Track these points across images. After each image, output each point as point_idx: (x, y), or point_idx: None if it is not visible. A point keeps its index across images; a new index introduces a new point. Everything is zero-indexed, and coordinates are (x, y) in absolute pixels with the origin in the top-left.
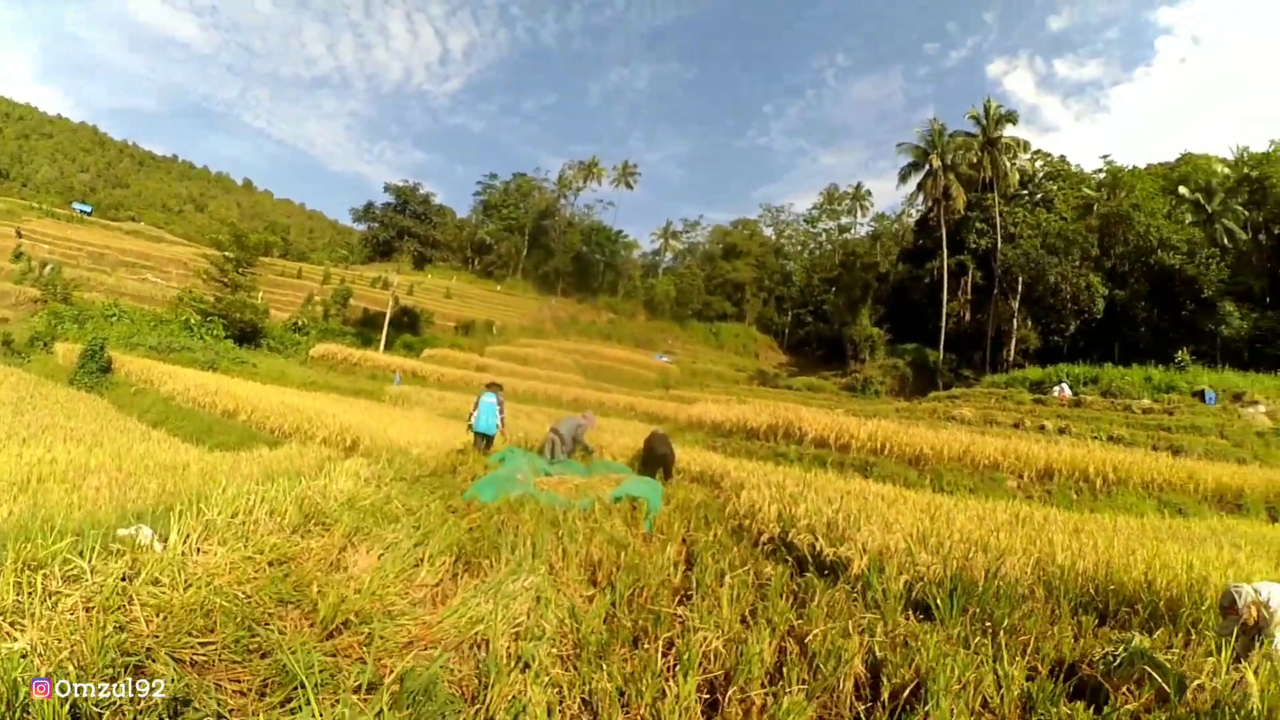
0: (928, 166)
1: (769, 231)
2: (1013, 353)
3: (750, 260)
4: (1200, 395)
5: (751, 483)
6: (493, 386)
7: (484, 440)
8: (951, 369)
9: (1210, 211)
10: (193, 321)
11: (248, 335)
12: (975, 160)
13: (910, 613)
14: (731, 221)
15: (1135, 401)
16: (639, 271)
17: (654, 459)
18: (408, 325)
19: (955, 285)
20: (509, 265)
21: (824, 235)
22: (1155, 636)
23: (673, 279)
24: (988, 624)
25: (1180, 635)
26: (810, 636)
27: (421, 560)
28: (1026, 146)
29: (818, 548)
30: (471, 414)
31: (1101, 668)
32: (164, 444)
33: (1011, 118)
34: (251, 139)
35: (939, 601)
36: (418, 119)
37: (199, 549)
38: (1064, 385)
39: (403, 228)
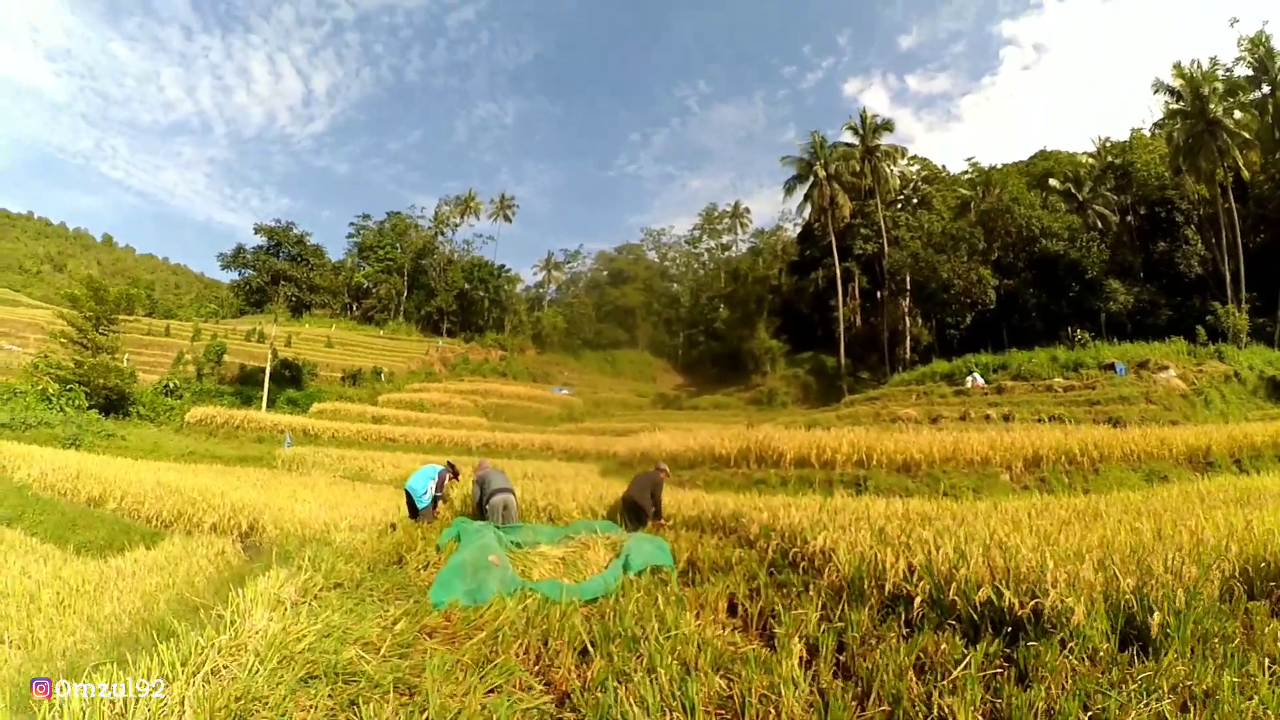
0: (813, 178)
1: (652, 255)
2: (908, 350)
3: (638, 285)
4: (1110, 367)
5: (808, 521)
6: (451, 468)
7: (410, 504)
8: (849, 372)
9: (1081, 200)
10: (50, 391)
11: (114, 403)
12: (857, 169)
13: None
14: (615, 248)
15: (1053, 381)
16: (524, 305)
17: (624, 504)
18: (290, 379)
19: (844, 291)
20: (389, 308)
21: (706, 255)
22: None
23: (560, 310)
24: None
25: None
26: None
27: None
28: (904, 153)
29: (1006, 603)
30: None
31: None
32: (16, 549)
33: (888, 126)
34: (109, 191)
35: (1165, 632)
36: (281, 163)
37: None
38: (975, 374)
39: (278, 271)
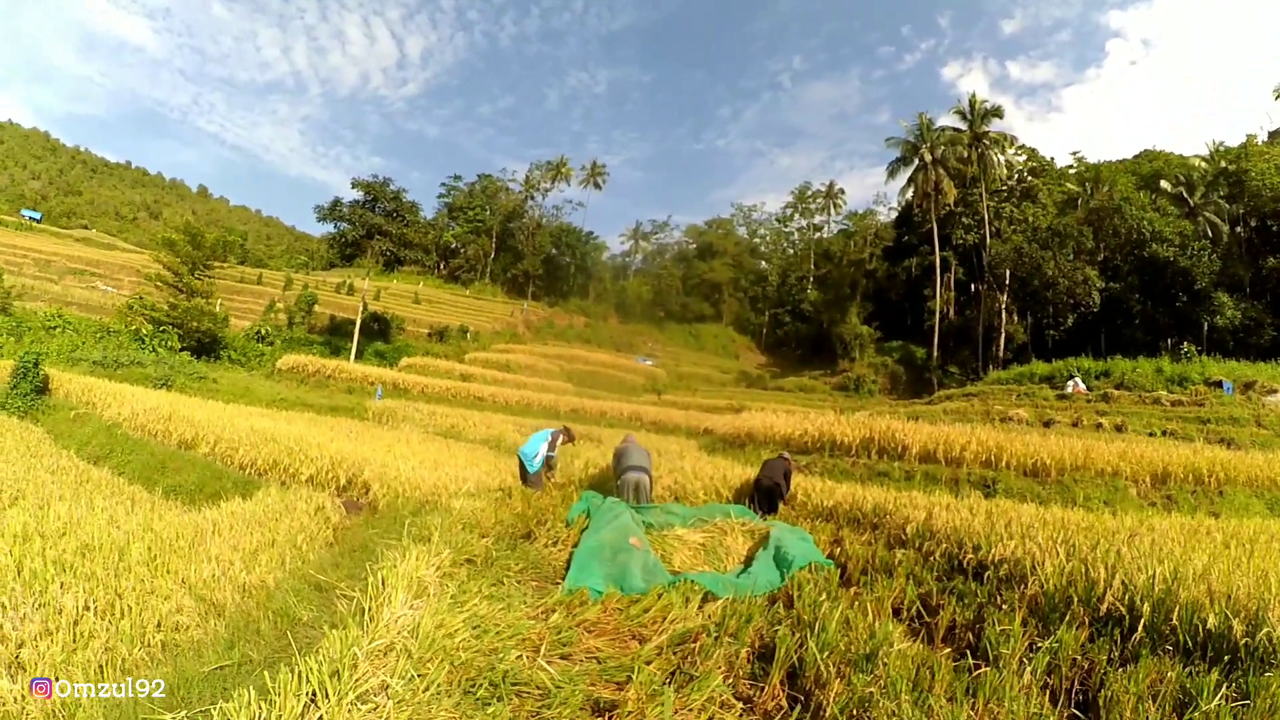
0: (917, 161)
1: (742, 231)
2: (1002, 348)
3: (727, 260)
4: (1217, 385)
5: (980, 525)
6: (566, 431)
7: (523, 470)
8: (939, 366)
9: (1193, 205)
10: (144, 332)
11: (206, 347)
12: (964, 155)
13: None
14: (706, 221)
15: (1160, 394)
16: (609, 273)
17: (760, 489)
18: (378, 332)
19: (940, 281)
20: (477, 269)
21: (796, 234)
22: None
23: (646, 280)
24: None
25: None
26: None
27: None
28: (1012, 141)
29: (1233, 631)
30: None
31: None
32: (103, 491)
33: (997, 112)
34: (205, 145)
35: None
36: (374, 124)
37: None
38: (1077, 379)
39: (373, 226)
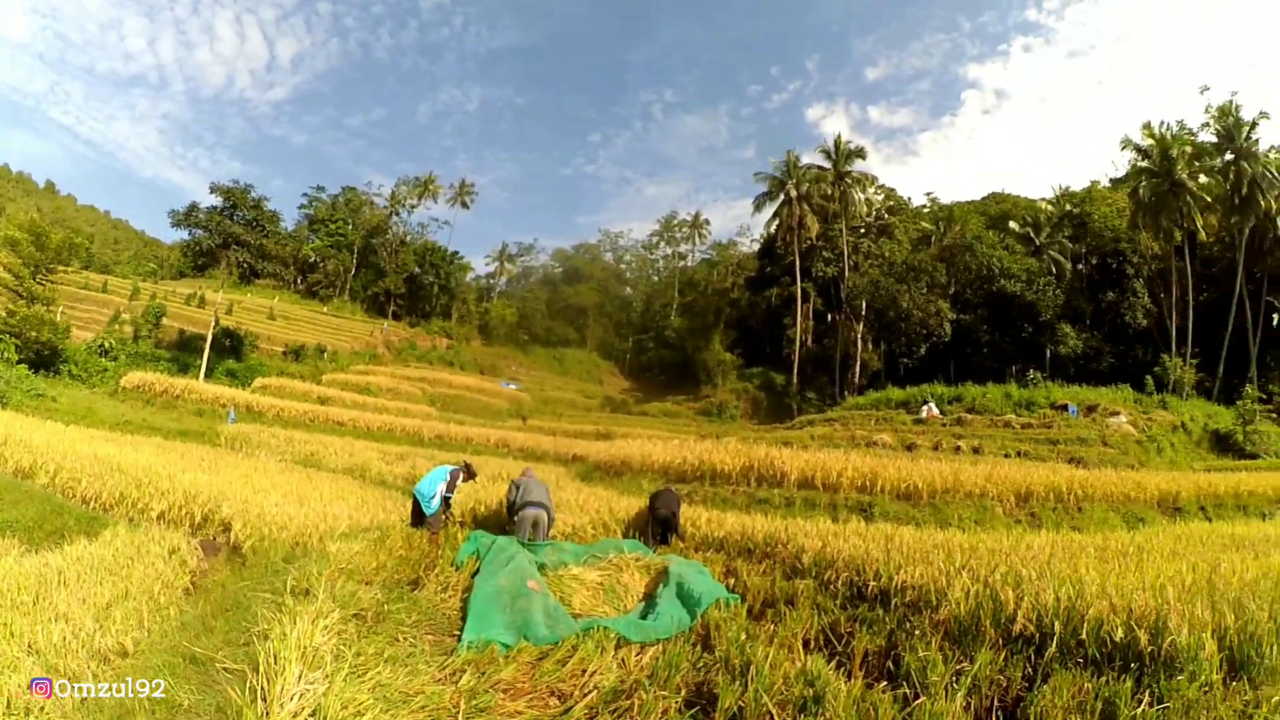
0: (783, 196)
1: (609, 256)
2: (858, 375)
3: (592, 285)
4: (1063, 408)
5: (879, 551)
6: (467, 468)
7: (416, 510)
8: (798, 392)
9: (1038, 244)
10: None
11: (45, 360)
12: (828, 192)
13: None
14: (573, 246)
15: (1009, 417)
16: (473, 295)
17: (657, 520)
18: (230, 349)
19: (800, 311)
20: (335, 285)
21: (661, 262)
22: None
23: (511, 303)
24: None
25: None
26: None
27: None
28: (873, 181)
29: (1141, 643)
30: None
31: None
32: None
33: (861, 153)
34: (58, 137)
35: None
36: (237, 126)
37: None
38: (931, 404)
39: (231, 235)
